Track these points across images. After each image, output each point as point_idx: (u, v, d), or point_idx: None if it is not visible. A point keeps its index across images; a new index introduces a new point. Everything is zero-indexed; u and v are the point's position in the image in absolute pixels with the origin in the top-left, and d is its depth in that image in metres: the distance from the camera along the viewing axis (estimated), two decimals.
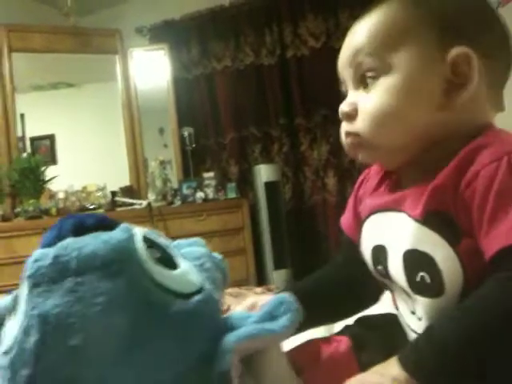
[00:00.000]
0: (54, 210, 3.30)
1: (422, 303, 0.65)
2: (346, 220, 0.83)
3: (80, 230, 0.59)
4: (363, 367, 0.62)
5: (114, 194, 3.57)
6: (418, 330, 0.67)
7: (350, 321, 0.82)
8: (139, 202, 3.45)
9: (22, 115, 3.61)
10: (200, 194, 3.60)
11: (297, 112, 3.72)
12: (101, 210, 3.40)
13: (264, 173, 3.57)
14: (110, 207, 3.41)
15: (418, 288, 0.65)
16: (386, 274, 0.70)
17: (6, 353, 0.57)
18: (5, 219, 3.19)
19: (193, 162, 3.87)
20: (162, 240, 0.64)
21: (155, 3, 4.01)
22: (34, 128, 3.71)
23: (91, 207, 3.43)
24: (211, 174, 3.75)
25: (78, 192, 3.53)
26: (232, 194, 3.68)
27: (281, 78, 3.74)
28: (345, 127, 0.71)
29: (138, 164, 3.85)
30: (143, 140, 3.87)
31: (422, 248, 0.62)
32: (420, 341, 0.58)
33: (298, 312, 0.58)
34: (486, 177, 0.57)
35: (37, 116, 3.71)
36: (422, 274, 0.63)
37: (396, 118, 0.65)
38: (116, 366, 0.54)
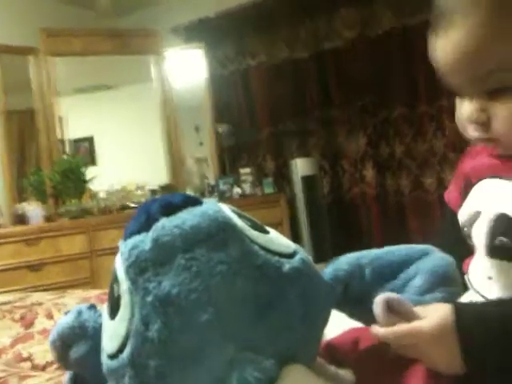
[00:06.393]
0: (95, 210, 3.36)
1: (501, 267, 0.65)
2: (450, 194, 0.83)
3: (169, 209, 0.57)
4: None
5: (153, 192, 3.62)
6: (490, 296, 0.67)
7: None
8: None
9: (62, 118, 3.68)
10: (237, 190, 3.62)
11: (333, 104, 3.68)
12: None
13: (301, 167, 3.55)
14: None
15: (496, 251, 0.65)
16: (469, 236, 0.71)
17: (112, 356, 0.55)
18: (48, 219, 3.27)
19: (229, 158, 3.88)
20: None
21: (189, 2, 4.04)
22: (73, 130, 3.79)
23: (132, 205, 3.48)
24: (247, 170, 3.75)
25: (118, 191, 3.59)
26: (269, 189, 3.68)
27: (316, 71, 3.71)
28: (476, 134, 0.67)
29: (175, 162, 3.88)
30: (180, 138, 3.91)
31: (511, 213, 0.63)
32: (490, 314, 0.58)
33: None
34: None
35: (76, 118, 3.79)
36: (501, 238, 0.64)
37: None
38: (252, 331, 0.53)
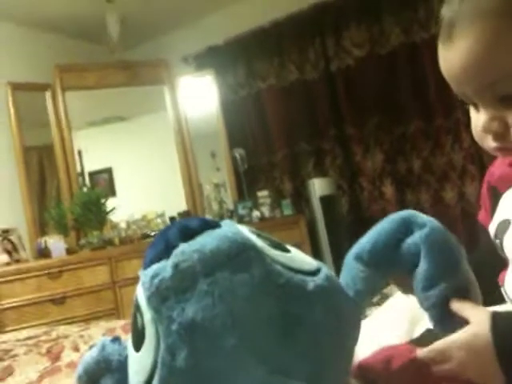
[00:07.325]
0: (117, 240, 3.38)
1: None
2: (482, 215, 0.82)
3: (187, 234, 0.57)
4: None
5: (172, 219, 3.63)
6: None
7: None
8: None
9: (80, 151, 3.73)
10: (256, 214, 3.61)
11: (347, 122, 3.68)
12: None
13: (318, 187, 3.54)
14: None
15: None
16: (501, 247, 0.70)
17: None
18: (70, 252, 3.29)
19: (246, 182, 3.88)
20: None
21: (198, 31, 4.10)
22: (91, 163, 3.84)
23: (152, 234, 3.49)
24: (265, 193, 3.75)
25: (138, 220, 3.60)
26: (288, 211, 3.66)
27: (327, 90, 3.72)
28: (494, 144, 0.66)
29: (193, 189, 3.90)
30: (196, 165, 3.93)
31: None
32: None
33: None
34: None
35: (93, 151, 3.84)
36: None
37: None
38: (282, 352, 0.52)
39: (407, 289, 0.67)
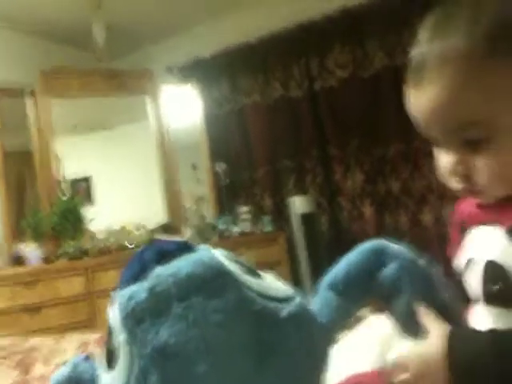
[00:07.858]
0: (94, 251, 3.35)
1: (498, 314, 0.66)
2: (451, 248, 0.84)
3: (163, 257, 0.57)
4: None
5: (151, 231, 3.60)
6: None
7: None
8: (177, 238, 3.48)
9: (60, 159, 3.70)
10: (236, 229, 3.61)
11: (329, 142, 3.70)
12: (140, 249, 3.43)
13: (299, 205, 3.55)
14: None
15: (492, 298, 0.66)
16: (465, 284, 0.72)
17: None
18: (47, 261, 3.25)
19: (227, 196, 3.89)
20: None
21: (184, 42, 4.11)
22: (71, 170, 3.80)
23: (130, 246, 3.47)
24: (245, 208, 3.75)
25: (116, 231, 3.57)
26: (268, 227, 3.67)
27: (310, 109, 3.74)
28: (459, 186, 0.68)
29: (173, 201, 3.89)
30: (178, 176, 3.92)
31: (500, 260, 0.64)
32: (480, 340, 0.59)
33: None
34: None
35: (74, 158, 3.80)
36: (496, 286, 0.64)
37: None
38: (254, 380, 0.52)
39: (381, 312, 0.69)
